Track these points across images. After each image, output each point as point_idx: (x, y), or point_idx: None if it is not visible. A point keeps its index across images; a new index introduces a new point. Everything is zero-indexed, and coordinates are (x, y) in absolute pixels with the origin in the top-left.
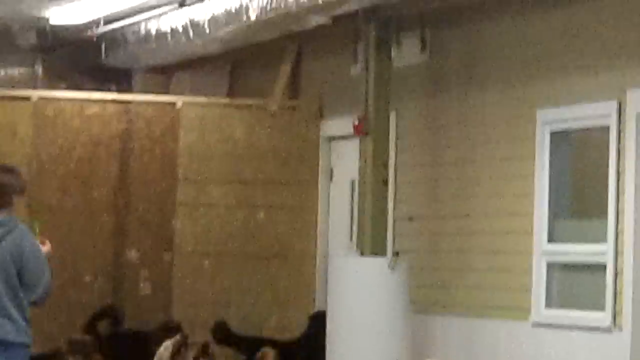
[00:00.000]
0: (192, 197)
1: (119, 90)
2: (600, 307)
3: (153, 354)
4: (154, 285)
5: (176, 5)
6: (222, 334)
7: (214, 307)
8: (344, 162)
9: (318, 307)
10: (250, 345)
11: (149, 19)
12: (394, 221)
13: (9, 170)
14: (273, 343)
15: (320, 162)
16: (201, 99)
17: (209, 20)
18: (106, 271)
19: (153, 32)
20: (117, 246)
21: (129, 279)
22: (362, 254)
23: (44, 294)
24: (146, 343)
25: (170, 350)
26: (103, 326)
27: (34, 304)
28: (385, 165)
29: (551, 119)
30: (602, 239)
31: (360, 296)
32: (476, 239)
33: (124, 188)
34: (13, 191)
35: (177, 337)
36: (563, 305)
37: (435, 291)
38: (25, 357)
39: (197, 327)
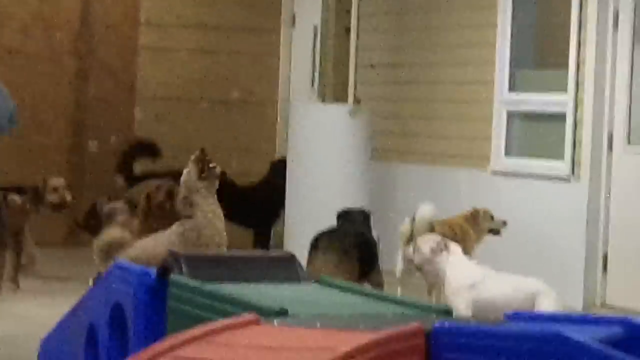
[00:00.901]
0: (155, 41)
1: None
2: (560, 157)
3: None
4: (116, 132)
5: None
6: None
7: (174, 152)
8: (307, 8)
9: (279, 153)
10: None
11: None
12: (356, 68)
13: None
14: (232, 186)
15: (283, 8)
16: None
17: None
18: (67, 114)
19: None
20: (79, 90)
21: (90, 122)
22: (323, 100)
23: (6, 125)
24: None
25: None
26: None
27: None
28: (348, 12)
29: None
30: (562, 89)
31: (321, 143)
32: (438, 88)
33: (86, 32)
34: None
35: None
36: (522, 154)
37: (396, 139)
38: None
39: (157, 172)
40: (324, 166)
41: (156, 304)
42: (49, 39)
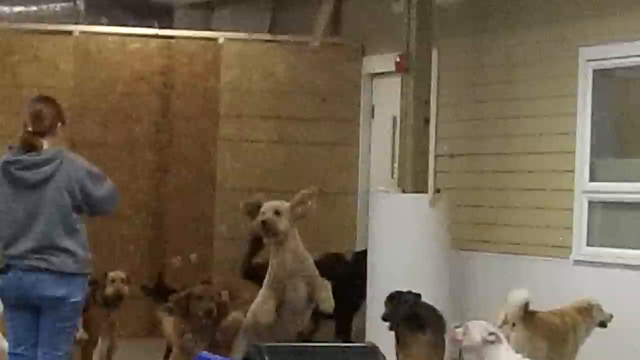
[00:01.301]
0: (234, 133)
1: (161, 26)
2: None
3: None
4: (195, 222)
5: None
6: None
7: None
8: (386, 99)
9: (359, 244)
10: None
11: None
12: (435, 158)
13: (47, 98)
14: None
15: (362, 99)
16: (243, 35)
17: None
18: (148, 206)
19: None
20: (159, 182)
21: (171, 214)
22: (403, 191)
23: (112, 204)
24: None
25: None
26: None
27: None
28: (427, 103)
29: (594, 56)
30: None
31: (401, 233)
32: (517, 177)
33: (165, 124)
34: (55, 120)
35: None
36: (604, 243)
37: (476, 229)
38: (83, 285)
39: (238, 262)
40: (404, 256)
41: None
42: (129, 132)
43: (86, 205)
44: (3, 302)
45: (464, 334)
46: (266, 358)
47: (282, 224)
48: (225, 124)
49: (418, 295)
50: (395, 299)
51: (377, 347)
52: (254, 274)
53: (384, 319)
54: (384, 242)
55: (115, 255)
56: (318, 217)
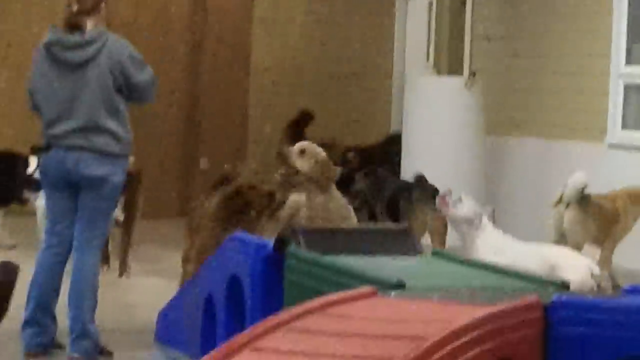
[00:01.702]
0: (270, 12)
1: None
2: None
3: None
4: (229, 101)
5: None
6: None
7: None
8: None
9: (393, 125)
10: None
11: None
12: (471, 41)
13: None
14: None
15: None
16: None
17: None
18: (182, 86)
19: None
20: (194, 62)
21: (205, 94)
22: (438, 73)
23: (150, 92)
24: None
25: None
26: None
27: (144, 102)
28: None
29: None
30: None
31: (436, 115)
32: (553, 60)
33: (200, 3)
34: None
35: None
36: (639, 127)
37: (511, 112)
38: (123, 166)
39: (273, 142)
40: (439, 139)
41: (273, 276)
42: (164, 11)
43: (124, 89)
44: (43, 180)
45: (455, 205)
46: (301, 238)
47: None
48: (260, 3)
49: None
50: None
51: (411, 228)
52: None
53: None
54: (419, 125)
55: (149, 135)
56: (353, 99)
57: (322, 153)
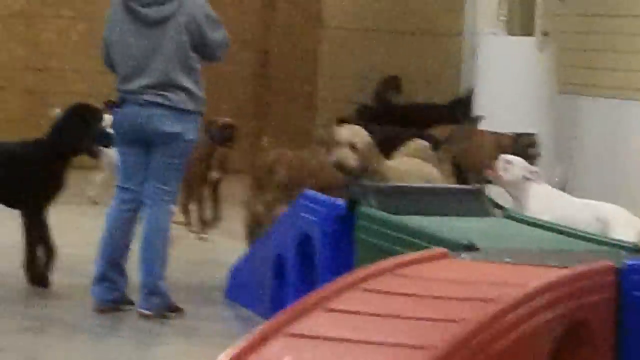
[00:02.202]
0: None
1: None
2: None
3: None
4: (300, 60)
5: None
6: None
7: (360, 83)
8: None
9: (464, 85)
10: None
11: None
12: (544, 0)
13: None
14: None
15: None
16: None
17: None
18: (254, 43)
19: None
20: (265, 19)
21: (276, 51)
22: (510, 33)
23: (223, 51)
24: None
25: None
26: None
27: (214, 61)
28: None
29: None
30: None
31: (508, 76)
32: (627, 20)
33: None
34: None
35: None
36: None
37: (584, 73)
38: (197, 123)
39: (340, 102)
40: (511, 99)
41: (344, 235)
42: None
43: (199, 47)
44: (117, 136)
45: (505, 169)
46: (371, 197)
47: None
48: None
49: None
50: None
51: (483, 189)
52: None
53: None
54: (491, 85)
55: (220, 93)
56: (423, 58)
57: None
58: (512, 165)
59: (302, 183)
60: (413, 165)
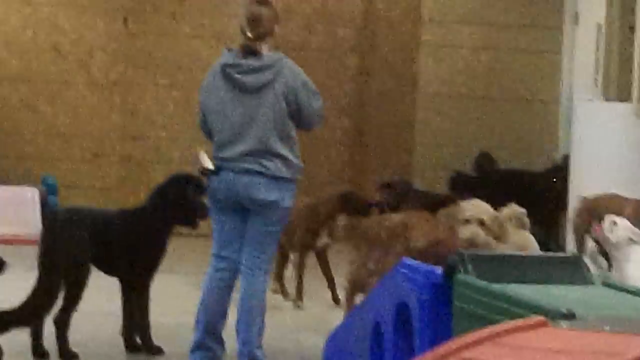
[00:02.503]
0: (437, 38)
1: None
2: None
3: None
4: (396, 127)
5: None
6: (488, 165)
7: (456, 149)
8: (590, 5)
9: (561, 151)
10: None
11: None
12: None
13: (264, 1)
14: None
15: (566, 6)
16: None
17: None
18: (349, 110)
19: None
20: (361, 86)
21: (372, 119)
22: (607, 99)
23: (319, 122)
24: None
25: None
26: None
27: (310, 129)
28: (633, 10)
29: None
30: None
31: (604, 142)
32: None
33: (368, 28)
34: (273, 23)
35: None
36: None
37: None
38: (293, 191)
39: (438, 169)
40: (607, 165)
41: (442, 303)
42: (332, 36)
43: (295, 115)
44: (212, 204)
45: (611, 230)
46: (468, 265)
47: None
48: (428, 29)
49: None
50: None
51: (581, 257)
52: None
53: None
54: (587, 151)
55: (317, 159)
56: (520, 125)
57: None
58: (617, 226)
59: (435, 249)
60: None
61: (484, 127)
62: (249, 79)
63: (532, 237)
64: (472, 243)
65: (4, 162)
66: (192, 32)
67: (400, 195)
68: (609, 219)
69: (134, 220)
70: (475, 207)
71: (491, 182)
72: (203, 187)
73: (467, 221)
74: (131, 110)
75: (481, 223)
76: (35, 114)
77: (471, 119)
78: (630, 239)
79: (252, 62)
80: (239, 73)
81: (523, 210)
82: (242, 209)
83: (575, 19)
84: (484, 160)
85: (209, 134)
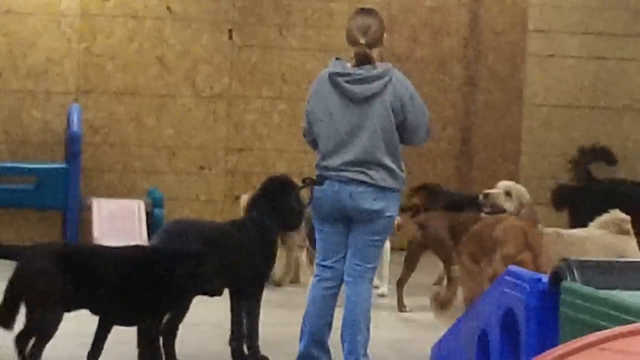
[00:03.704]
0: (543, 48)
1: None
2: None
3: None
4: (502, 137)
5: None
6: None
7: (562, 159)
8: None
9: None
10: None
11: None
12: None
13: (372, 11)
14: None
15: None
16: None
17: None
18: (456, 121)
19: None
20: (467, 97)
21: (478, 129)
22: None
23: (425, 138)
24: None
25: None
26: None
27: (413, 143)
28: None
29: None
30: None
31: None
32: None
33: (474, 38)
34: (381, 32)
35: None
36: None
37: None
38: (397, 201)
39: (545, 179)
40: None
41: (548, 310)
42: (438, 46)
43: (400, 127)
44: (316, 213)
45: None
46: (575, 272)
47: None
48: (534, 39)
49: None
50: None
51: None
52: None
53: None
54: None
55: (422, 169)
56: (627, 133)
57: (526, 195)
58: None
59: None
60: (598, 235)
61: (590, 136)
62: (358, 89)
63: (633, 243)
64: (493, 205)
65: (111, 176)
66: (297, 45)
67: (433, 196)
68: None
69: (242, 230)
70: (508, 183)
71: (597, 194)
72: (298, 189)
73: (496, 190)
74: (236, 123)
75: (507, 193)
76: (141, 126)
77: (578, 129)
78: None
79: (361, 71)
80: (347, 82)
81: (625, 217)
82: (345, 219)
83: None
84: (597, 158)
85: (312, 143)
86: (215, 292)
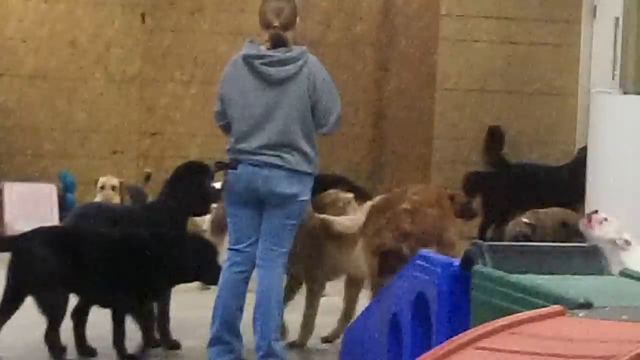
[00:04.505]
0: (455, 32)
1: None
2: None
3: None
4: (414, 121)
5: None
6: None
7: (474, 143)
8: None
9: (579, 145)
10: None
11: None
12: None
13: None
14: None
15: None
16: None
17: None
18: (368, 105)
19: None
20: (379, 81)
21: (390, 113)
22: (625, 92)
23: (334, 125)
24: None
25: None
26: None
27: (323, 134)
28: None
29: None
30: None
31: (622, 135)
32: None
33: (387, 23)
34: (294, 16)
35: None
36: None
37: None
38: (311, 185)
39: (457, 163)
40: (625, 159)
41: (460, 294)
42: (350, 31)
43: (312, 109)
44: (229, 197)
45: (600, 223)
46: (486, 256)
47: None
48: (446, 23)
49: None
50: None
51: (600, 248)
52: None
53: None
54: (604, 145)
55: (334, 154)
56: (538, 119)
57: None
58: (608, 222)
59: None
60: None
61: (501, 121)
62: (274, 71)
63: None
64: None
65: (22, 159)
66: (210, 28)
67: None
68: (599, 214)
69: (153, 213)
70: None
71: (509, 178)
72: (212, 174)
73: None
74: (148, 106)
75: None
76: (53, 110)
77: (490, 113)
78: (613, 240)
79: (277, 53)
80: (263, 64)
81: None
82: (259, 202)
83: (593, 12)
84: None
85: (225, 127)
86: None
